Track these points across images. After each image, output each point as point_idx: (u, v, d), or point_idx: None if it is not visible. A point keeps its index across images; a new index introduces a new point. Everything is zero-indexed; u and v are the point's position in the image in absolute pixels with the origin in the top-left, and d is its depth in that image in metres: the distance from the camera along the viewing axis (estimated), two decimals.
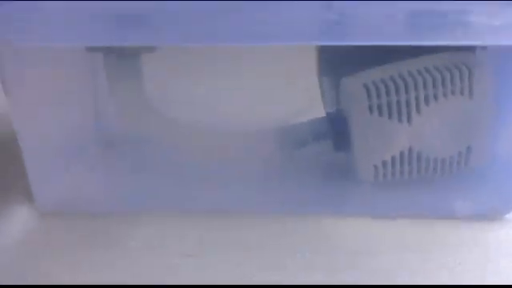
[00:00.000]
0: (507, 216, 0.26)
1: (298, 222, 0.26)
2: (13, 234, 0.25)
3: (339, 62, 0.28)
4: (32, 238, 0.25)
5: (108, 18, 0.20)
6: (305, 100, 0.30)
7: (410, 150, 0.27)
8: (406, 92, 0.25)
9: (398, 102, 0.26)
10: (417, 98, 0.25)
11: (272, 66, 0.31)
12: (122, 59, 0.28)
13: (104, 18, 0.20)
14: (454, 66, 0.25)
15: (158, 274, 0.22)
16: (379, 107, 0.26)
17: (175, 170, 0.28)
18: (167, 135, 0.29)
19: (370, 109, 0.26)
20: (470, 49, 0.26)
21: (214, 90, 0.31)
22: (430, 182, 0.27)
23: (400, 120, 0.26)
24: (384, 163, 0.27)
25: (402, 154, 0.27)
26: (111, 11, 0.20)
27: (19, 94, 0.25)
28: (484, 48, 0.25)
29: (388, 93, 0.25)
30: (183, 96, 0.31)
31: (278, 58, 0.30)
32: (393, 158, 0.27)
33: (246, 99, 0.30)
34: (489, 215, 0.26)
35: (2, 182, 0.29)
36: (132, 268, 0.23)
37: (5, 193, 0.28)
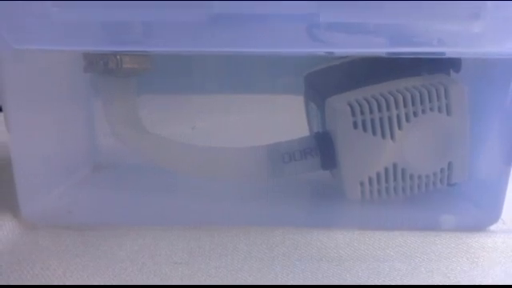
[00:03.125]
0: (491, 227, 0.27)
1: (287, 233, 0.26)
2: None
3: (324, 86, 0.30)
4: (18, 249, 0.25)
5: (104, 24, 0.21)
6: (293, 120, 0.31)
7: (395, 166, 0.28)
8: (388, 109, 0.27)
9: (381, 119, 0.27)
10: (398, 115, 0.27)
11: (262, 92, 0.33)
12: (117, 80, 0.29)
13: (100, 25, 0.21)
14: (431, 85, 0.27)
15: (147, 282, 0.22)
16: (363, 123, 0.27)
17: (165, 186, 0.28)
18: (157, 152, 0.29)
19: (355, 125, 0.27)
20: (445, 70, 0.28)
21: (205, 111, 0.33)
22: (414, 199, 0.28)
23: (383, 136, 0.27)
24: (370, 180, 0.28)
25: (386, 170, 0.28)
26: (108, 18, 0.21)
27: (13, 109, 0.26)
28: (457, 70, 0.28)
29: (371, 110, 0.27)
30: (175, 116, 0.32)
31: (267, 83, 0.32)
32: (378, 175, 0.28)
33: (236, 120, 0.32)
34: (472, 228, 0.27)
35: None
36: (121, 276, 0.22)
37: None
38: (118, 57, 0.27)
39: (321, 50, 0.21)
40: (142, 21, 0.21)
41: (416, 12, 0.20)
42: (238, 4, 0.21)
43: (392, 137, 0.27)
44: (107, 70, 0.28)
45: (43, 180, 0.28)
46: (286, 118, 0.34)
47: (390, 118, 0.27)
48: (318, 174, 0.29)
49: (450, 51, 0.22)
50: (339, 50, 0.21)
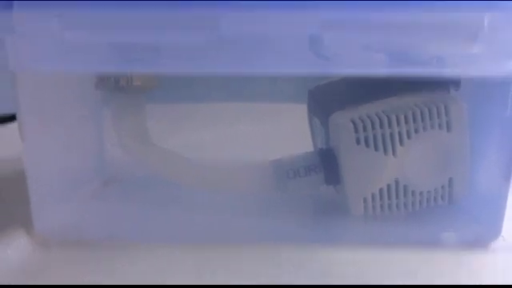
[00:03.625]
0: (492, 244, 0.27)
1: (293, 251, 0.26)
2: (11, 261, 0.25)
3: (327, 102, 0.31)
4: (31, 266, 0.25)
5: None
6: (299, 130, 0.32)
7: (397, 182, 0.28)
8: (390, 126, 0.28)
9: (383, 135, 0.28)
10: (400, 132, 0.28)
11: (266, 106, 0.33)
12: (127, 96, 0.30)
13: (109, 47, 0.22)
14: (431, 102, 0.28)
15: None
16: (366, 139, 0.28)
17: (173, 200, 0.29)
18: (166, 168, 0.30)
19: (358, 141, 0.28)
20: (445, 88, 0.28)
21: (210, 120, 0.34)
22: (416, 214, 0.29)
23: (386, 152, 0.28)
24: (373, 196, 0.29)
25: (389, 186, 0.29)
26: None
27: (30, 127, 0.27)
28: (457, 87, 0.28)
29: (373, 127, 0.28)
30: (180, 126, 0.33)
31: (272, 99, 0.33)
32: (381, 191, 0.29)
33: (242, 129, 0.32)
34: (474, 244, 0.27)
35: (4, 208, 0.29)
36: None
37: (5, 220, 0.28)
38: (129, 75, 0.28)
39: (322, 72, 0.22)
40: (153, 43, 0.22)
41: (414, 33, 0.21)
42: (245, 26, 0.22)
43: (394, 153, 0.28)
44: (118, 87, 0.29)
45: (56, 194, 0.29)
46: (293, 128, 0.35)
47: (391, 135, 0.28)
48: (322, 189, 0.30)
49: (448, 72, 0.22)
50: (340, 71, 0.22)
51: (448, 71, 0.22)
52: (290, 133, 0.36)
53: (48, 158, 0.28)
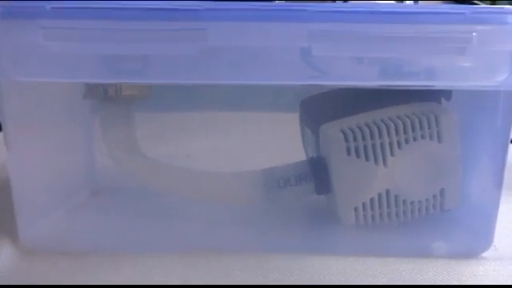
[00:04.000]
0: (484, 254, 0.27)
1: (283, 260, 0.26)
2: None
3: (318, 112, 0.31)
4: (15, 276, 0.25)
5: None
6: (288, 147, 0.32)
7: (388, 192, 0.28)
8: (380, 136, 0.28)
9: (374, 146, 0.28)
10: (390, 142, 0.28)
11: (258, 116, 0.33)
12: (116, 106, 0.30)
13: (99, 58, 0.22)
14: (422, 113, 0.28)
15: None
16: (356, 149, 0.27)
17: (162, 210, 0.29)
18: (155, 178, 0.30)
19: (348, 151, 0.28)
20: (435, 99, 0.28)
21: (200, 130, 0.33)
22: (408, 224, 0.29)
23: (376, 162, 0.28)
24: (364, 205, 0.28)
25: (380, 196, 0.28)
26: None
27: (14, 135, 0.26)
28: (448, 98, 0.28)
29: (364, 137, 0.28)
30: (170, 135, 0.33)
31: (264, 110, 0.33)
32: (372, 200, 0.28)
33: (233, 145, 0.32)
34: (465, 254, 0.27)
35: None
36: None
37: None
38: (118, 84, 0.28)
39: (314, 83, 0.22)
40: (139, 54, 0.22)
41: (405, 47, 0.21)
42: (233, 37, 0.21)
43: (384, 163, 0.28)
44: (107, 96, 0.29)
45: (42, 204, 0.29)
46: (284, 137, 0.35)
47: (382, 145, 0.28)
48: (313, 199, 0.30)
49: (438, 85, 0.22)
50: (330, 83, 0.22)
51: (438, 83, 0.22)
52: (281, 142, 0.35)
53: (34, 168, 0.28)
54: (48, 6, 0.21)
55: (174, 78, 0.22)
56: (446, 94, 0.28)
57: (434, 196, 0.29)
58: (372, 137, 0.27)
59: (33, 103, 0.27)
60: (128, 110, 0.30)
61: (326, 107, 0.31)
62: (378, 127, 0.28)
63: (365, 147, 0.27)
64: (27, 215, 0.27)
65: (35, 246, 0.27)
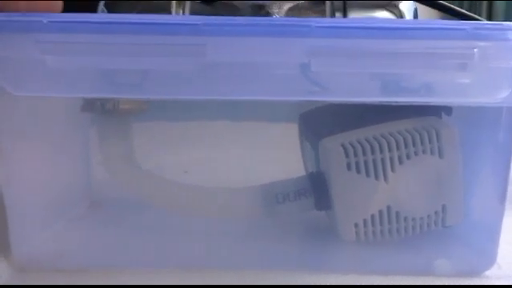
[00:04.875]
0: (487, 273, 0.27)
1: (281, 277, 0.26)
2: None
3: (318, 126, 0.31)
4: None
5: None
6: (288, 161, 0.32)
7: (389, 208, 0.28)
8: (381, 151, 0.27)
9: (374, 161, 0.27)
10: (391, 158, 0.27)
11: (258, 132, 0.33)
12: (114, 119, 0.29)
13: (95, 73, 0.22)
14: (423, 128, 0.27)
15: None
16: (357, 165, 0.27)
17: (159, 225, 0.28)
18: (152, 193, 0.29)
19: (348, 166, 0.27)
20: (436, 113, 0.28)
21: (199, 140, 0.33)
22: (409, 241, 0.28)
23: (377, 178, 0.27)
24: (365, 222, 0.28)
25: (381, 212, 0.28)
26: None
27: (9, 147, 0.26)
28: (449, 113, 0.28)
29: (364, 152, 0.27)
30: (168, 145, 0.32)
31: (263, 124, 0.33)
32: (372, 217, 0.28)
33: (230, 160, 0.32)
34: (467, 273, 0.26)
35: None
36: None
37: None
38: (115, 98, 0.28)
39: (313, 99, 0.22)
40: (137, 69, 0.22)
41: (405, 62, 0.21)
42: (232, 52, 0.21)
43: (385, 179, 0.27)
44: (104, 110, 0.29)
45: (38, 218, 0.28)
46: (284, 148, 0.35)
47: (383, 160, 0.27)
48: (312, 214, 0.29)
49: (438, 101, 0.22)
50: (330, 99, 0.22)
51: (439, 100, 0.22)
52: (281, 152, 0.35)
53: (28, 181, 0.27)
54: (45, 19, 0.21)
55: (173, 93, 0.22)
56: (447, 108, 0.28)
57: (436, 212, 0.28)
58: (373, 152, 0.27)
59: (28, 115, 0.27)
60: (125, 123, 0.30)
61: (326, 121, 0.30)
62: (379, 142, 0.27)
63: (365, 162, 0.27)
64: (21, 230, 0.26)
65: (29, 262, 0.26)
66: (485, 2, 1.72)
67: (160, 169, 0.30)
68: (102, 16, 0.22)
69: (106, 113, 0.29)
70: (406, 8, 0.34)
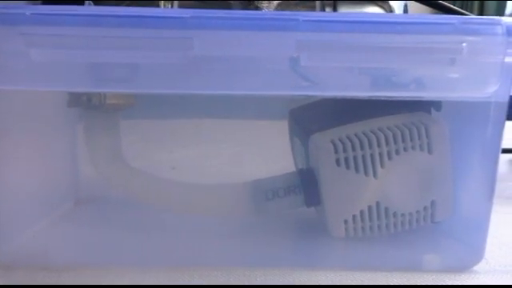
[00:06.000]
0: (475, 268, 0.27)
1: (270, 274, 0.25)
2: None
3: (308, 122, 0.30)
4: None
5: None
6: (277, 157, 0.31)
7: (378, 204, 0.28)
8: (370, 147, 0.27)
9: (364, 157, 0.27)
10: (380, 153, 0.27)
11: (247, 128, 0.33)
12: (101, 115, 0.29)
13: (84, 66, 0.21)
14: (412, 124, 0.27)
15: None
16: (346, 161, 0.27)
17: (146, 223, 0.28)
18: (139, 188, 0.29)
19: (338, 162, 0.27)
20: (426, 109, 0.28)
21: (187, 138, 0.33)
22: (398, 236, 0.28)
23: (366, 174, 0.27)
24: (354, 218, 0.28)
25: (370, 208, 0.28)
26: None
27: None
28: (438, 108, 0.28)
29: (353, 148, 0.27)
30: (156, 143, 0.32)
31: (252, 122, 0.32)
32: (362, 213, 0.28)
33: (219, 154, 0.32)
34: (456, 268, 0.27)
35: None
36: None
37: None
38: (102, 93, 0.27)
39: (303, 93, 0.22)
40: (124, 62, 0.21)
41: (394, 57, 0.21)
42: (220, 46, 0.21)
43: (375, 174, 0.27)
44: (91, 105, 0.28)
45: (23, 216, 0.28)
46: (273, 144, 0.34)
47: (372, 156, 0.27)
48: (302, 211, 0.29)
49: (427, 96, 0.22)
50: (320, 93, 0.21)
51: (428, 94, 0.22)
52: (270, 149, 0.35)
53: (13, 179, 0.27)
54: (28, 11, 0.20)
55: (161, 88, 0.22)
56: (436, 104, 0.28)
57: (425, 208, 0.28)
58: (362, 147, 0.27)
59: (14, 110, 0.26)
60: (113, 119, 0.29)
61: (316, 117, 0.30)
62: (368, 138, 0.27)
63: (355, 158, 0.27)
64: (5, 228, 0.26)
65: (14, 260, 0.26)
66: (476, 2, 1.73)
67: (148, 166, 0.30)
68: (87, 8, 0.21)
69: (93, 108, 0.28)
70: (396, 3, 0.34)
